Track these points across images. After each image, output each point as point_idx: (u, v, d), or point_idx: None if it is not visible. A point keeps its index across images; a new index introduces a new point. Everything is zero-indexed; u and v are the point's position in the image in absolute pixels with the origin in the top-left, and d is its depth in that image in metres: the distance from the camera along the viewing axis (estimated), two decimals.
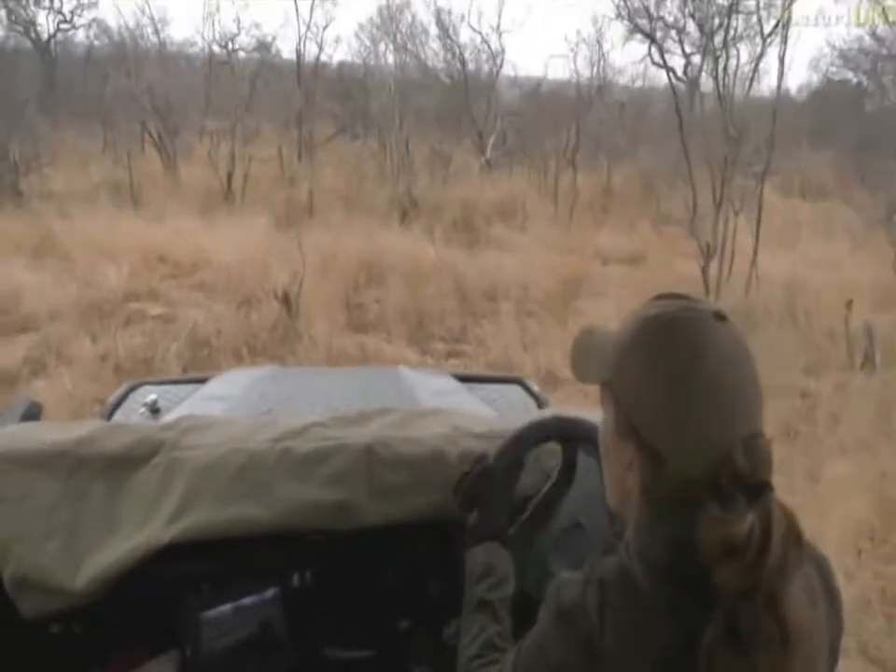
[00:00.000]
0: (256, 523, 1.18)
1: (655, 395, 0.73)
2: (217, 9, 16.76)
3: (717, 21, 10.28)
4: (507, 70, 15.83)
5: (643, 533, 0.74)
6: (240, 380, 2.24)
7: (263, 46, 15.82)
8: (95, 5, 16.93)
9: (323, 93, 14.86)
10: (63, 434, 1.25)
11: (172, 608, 1.16)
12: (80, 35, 17.30)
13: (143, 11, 15.30)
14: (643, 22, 12.27)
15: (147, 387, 2.26)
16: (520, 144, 14.32)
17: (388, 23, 15.65)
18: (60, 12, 16.84)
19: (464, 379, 2.41)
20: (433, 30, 15.77)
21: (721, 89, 8.94)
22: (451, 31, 15.54)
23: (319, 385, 2.18)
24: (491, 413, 1.90)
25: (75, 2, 17.02)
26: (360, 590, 1.29)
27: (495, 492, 1.11)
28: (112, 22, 16.07)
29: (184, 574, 1.18)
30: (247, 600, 1.20)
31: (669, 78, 11.91)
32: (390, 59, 15.30)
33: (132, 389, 2.27)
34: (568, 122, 13.25)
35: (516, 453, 1.17)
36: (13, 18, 16.33)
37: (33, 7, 16.56)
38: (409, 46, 15.50)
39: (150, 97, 12.03)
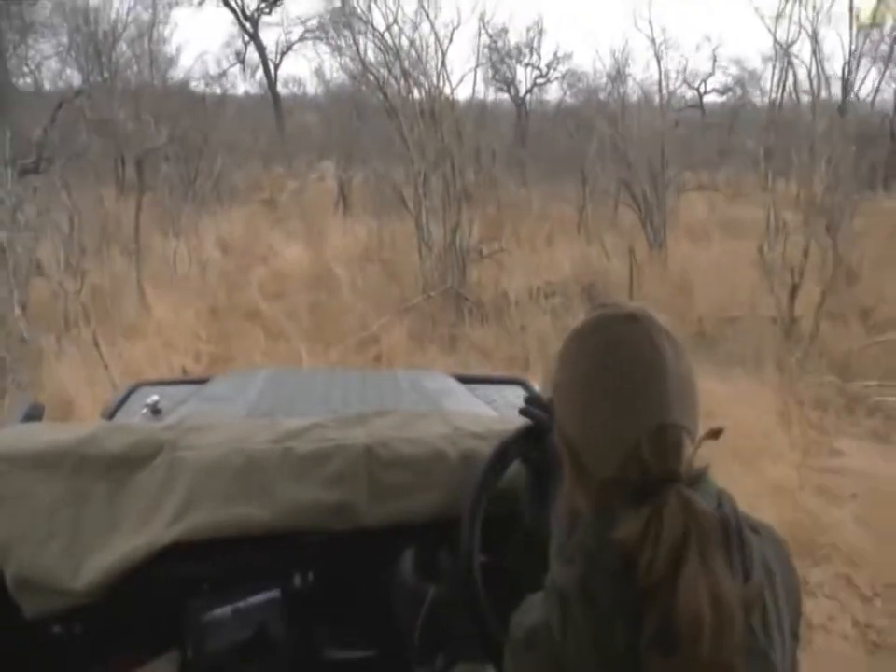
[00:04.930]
0: (256, 523, 1.19)
1: (571, 400, 0.79)
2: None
3: None
4: None
5: (587, 536, 0.76)
6: (240, 381, 2.24)
7: (739, 83, 14.02)
8: (570, 57, 16.75)
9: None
10: (64, 435, 1.27)
11: (173, 608, 1.16)
12: (553, 89, 16.89)
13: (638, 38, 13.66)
14: None
15: (149, 388, 2.25)
16: None
17: None
18: (537, 67, 16.60)
19: (464, 380, 2.39)
20: None
21: None
22: None
23: (319, 387, 2.18)
24: (491, 414, 1.90)
25: (551, 56, 16.85)
26: (360, 590, 1.29)
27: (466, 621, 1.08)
28: (587, 68, 15.14)
29: (185, 575, 1.19)
30: (248, 601, 1.20)
31: None
32: None
33: (133, 390, 2.26)
34: None
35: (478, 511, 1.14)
36: (496, 76, 16.44)
37: (513, 64, 16.51)
38: None
39: (630, 150, 8.83)
